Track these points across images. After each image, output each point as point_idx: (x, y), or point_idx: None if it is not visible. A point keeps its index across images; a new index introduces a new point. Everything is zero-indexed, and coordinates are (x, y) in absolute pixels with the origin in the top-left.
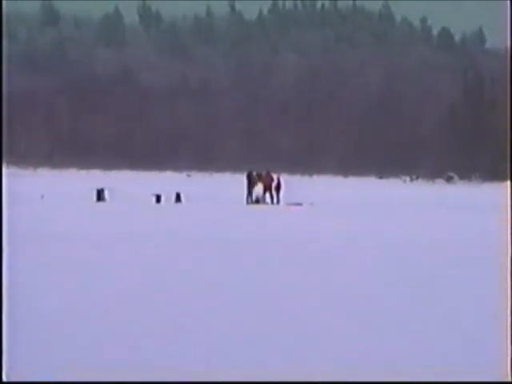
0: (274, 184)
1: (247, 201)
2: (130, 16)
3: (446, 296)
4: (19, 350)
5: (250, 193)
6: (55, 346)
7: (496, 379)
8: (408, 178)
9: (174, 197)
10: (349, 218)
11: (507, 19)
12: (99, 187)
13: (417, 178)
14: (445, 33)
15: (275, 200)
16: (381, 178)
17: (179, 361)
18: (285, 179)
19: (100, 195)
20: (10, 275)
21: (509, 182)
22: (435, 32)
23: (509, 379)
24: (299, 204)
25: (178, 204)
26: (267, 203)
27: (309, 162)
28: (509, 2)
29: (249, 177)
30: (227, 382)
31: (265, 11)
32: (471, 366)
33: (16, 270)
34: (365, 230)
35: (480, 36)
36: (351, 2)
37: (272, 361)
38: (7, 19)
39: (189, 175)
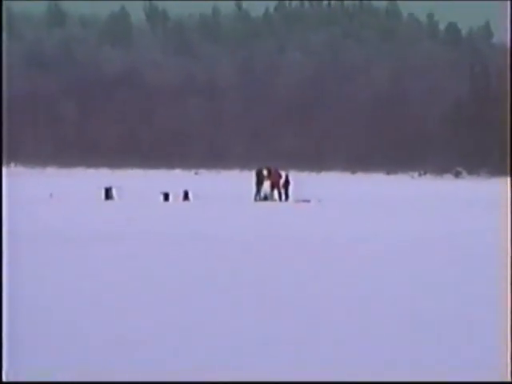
0: (282, 181)
1: (255, 198)
2: (137, 15)
3: (447, 295)
4: (19, 350)
5: (258, 190)
6: (55, 346)
7: (496, 379)
8: (416, 174)
9: (181, 195)
10: (357, 214)
11: (507, 18)
12: (107, 185)
13: (425, 173)
14: (451, 28)
15: (283, 197)
16: (388, 174)
17: (181, 362)
18: (293, 176)
19: (108, 193)
20: (17, 274)
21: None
22: (442, 27)
23: (509, 379)
24: (307, 201)
25: (186, 202)
26: (275, 200)
27: (316, 159)
28: (509, 2)
29: (258, 174)
30: (226, 382)
31: (271, 9)
32: (471, 366)
33: (23, 269)
34: (372, 227)
35: (487, 31)
36: (358, 0)
37: (277, 360)
38: (13, 20)
39: (197, 173)
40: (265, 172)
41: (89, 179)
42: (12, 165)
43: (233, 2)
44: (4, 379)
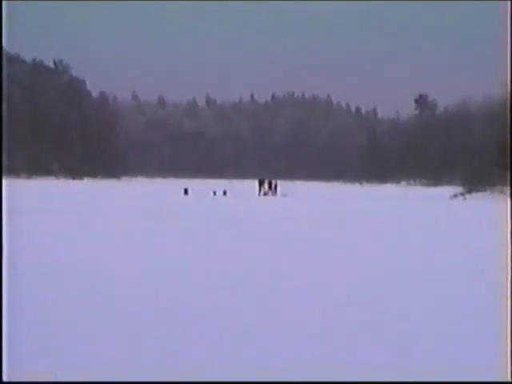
0: (273, 185)
1: (259, 194)
2: (201, 102)
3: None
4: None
5: (260, 190)
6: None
7: (496, 379)
8: (341, 182)
9: (222, 192)
10: (313, 202)
11: (507, 19)
12: (185, 187)
13: (345, 182)
14: (357, 109)
15: (274, 194)
16: (328, 181)
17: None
18: (279, 183)
19: (186, 192)
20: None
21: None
22: (353, 109)
23: (509, 379)
24: (286, 195)
25: (225, 196)
26: (269, 195)
27: (291, 173)
28: (509, 3)
29: (259, 182)
30: (226, 383)
31: (269, 98)
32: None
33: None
34: (322, 209)
35: (375, 111)
36: (311, 95)
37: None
38: (140, 104)
39: (231, 182)
40: (266, 181)
41: (176, 184)
42: (138, 177)
43: (249, 94)
44: (4, 379)
